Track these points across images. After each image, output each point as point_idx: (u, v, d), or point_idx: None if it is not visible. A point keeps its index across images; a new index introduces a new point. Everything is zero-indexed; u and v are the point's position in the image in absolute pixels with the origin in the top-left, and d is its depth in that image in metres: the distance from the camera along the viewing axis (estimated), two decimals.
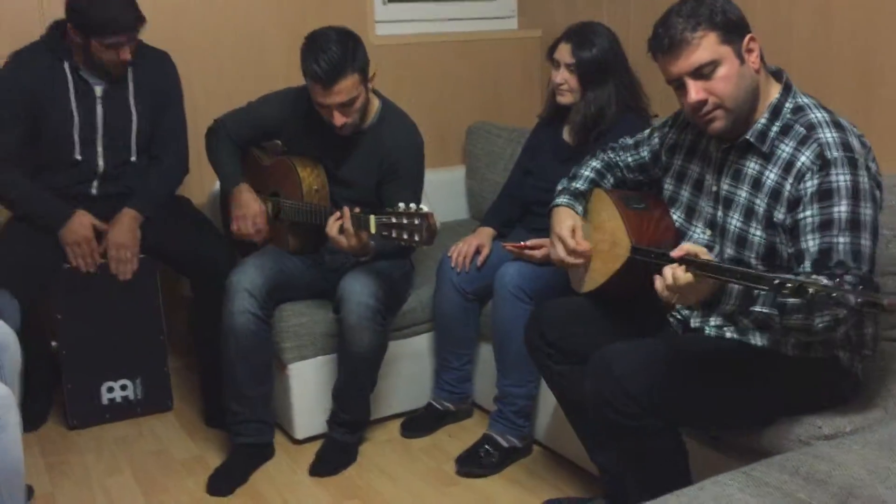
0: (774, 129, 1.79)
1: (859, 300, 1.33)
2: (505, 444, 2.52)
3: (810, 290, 1.38)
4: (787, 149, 1.76)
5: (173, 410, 2.89)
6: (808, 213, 1.69)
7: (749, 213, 1.82)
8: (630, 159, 2.16)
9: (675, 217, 2.01)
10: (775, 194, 1.77)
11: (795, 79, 1.87)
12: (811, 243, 1.68)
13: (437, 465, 2.56)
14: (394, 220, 2.15)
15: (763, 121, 1.80)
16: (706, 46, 1.73)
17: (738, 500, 1.31)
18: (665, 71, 1.80)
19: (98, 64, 2.55)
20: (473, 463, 2.50)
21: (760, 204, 1.79)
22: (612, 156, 2.20)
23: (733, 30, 1.75)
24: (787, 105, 1.80)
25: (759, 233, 1.80)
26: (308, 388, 2.63)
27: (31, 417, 2.76)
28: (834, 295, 1.35)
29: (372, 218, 2.20)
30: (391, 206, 2.20)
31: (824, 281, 1.51)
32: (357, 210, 2.29)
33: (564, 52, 2.52)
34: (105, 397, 2.78)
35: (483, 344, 2.74)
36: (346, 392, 2.53)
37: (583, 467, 2.42)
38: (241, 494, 2.42)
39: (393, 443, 2.70)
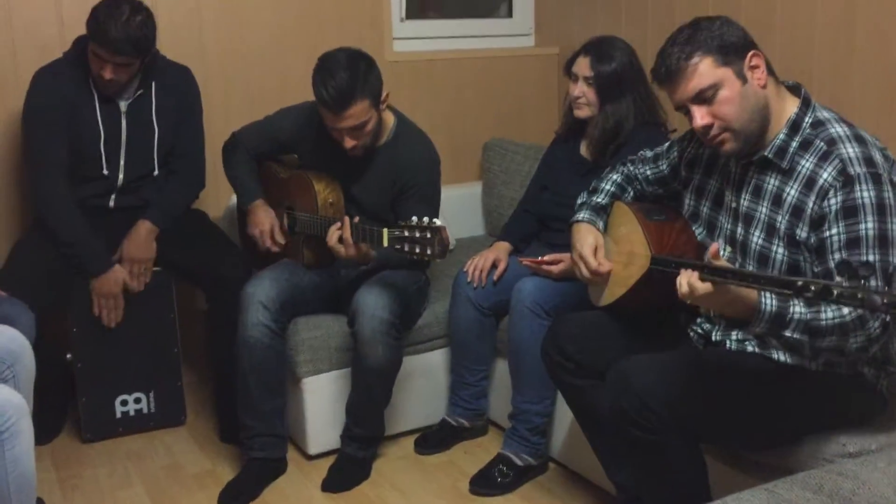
0: (794, 144, 1.76)
1: (885, 301, 1.30)
2: (520, 462, 2.49)
3: (835, 292, 1.34)
4: (808, 164, 1.74)
5: (186, 425, 2.88)
6: (834, 231, 1.66)
7: (770, 231, 1.79)
8: (649, 172, 2.14)
9: (696, 231, 1.99)
10: (797, 212, 1.74)
11: (816, 94, 1.85)
12: (839, 262, 1.65)
13: (451, 482, 2.53)
14: (406, 233, 2.14)
15: (782, 136, 1.77)
16: (703, 71, 1.71)
17: None
18: (670, 98, 1.81)
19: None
20: (488, 484, 2.47)
21: (782, 221, 1.77)
22: (631, 168, 2.18)
23: (732, 51, 1.72)
24: (807, 119, 1.77)
25: (781, 250, 1.78)
26: (322, 402, 2.61)
27: (45, 430, 2.75)
28: (860, 295, 1.32)
29: (385, 231, 2.20)
30: (405, 220, 2.19)
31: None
32: (357, 219, 2.30)
33: (583, 66, 2.52)
34: (119, 410, 2.77)
35: (499, 360, 2.71)
36: (360, 407, 2.51)
37: (599, 486, 2.39)
38: None
39: (407, 459, 2.67)
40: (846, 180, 1.66)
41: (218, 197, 3.11)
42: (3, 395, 1.80)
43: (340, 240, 2.32)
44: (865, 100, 2.52)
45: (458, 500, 2.43)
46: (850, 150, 1.69)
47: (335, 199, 2.55)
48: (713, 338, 1.93)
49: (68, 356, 2.69)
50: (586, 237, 2.09)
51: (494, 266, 2.64)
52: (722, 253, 1.90)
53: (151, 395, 2.80)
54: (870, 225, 1.64)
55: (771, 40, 2.66)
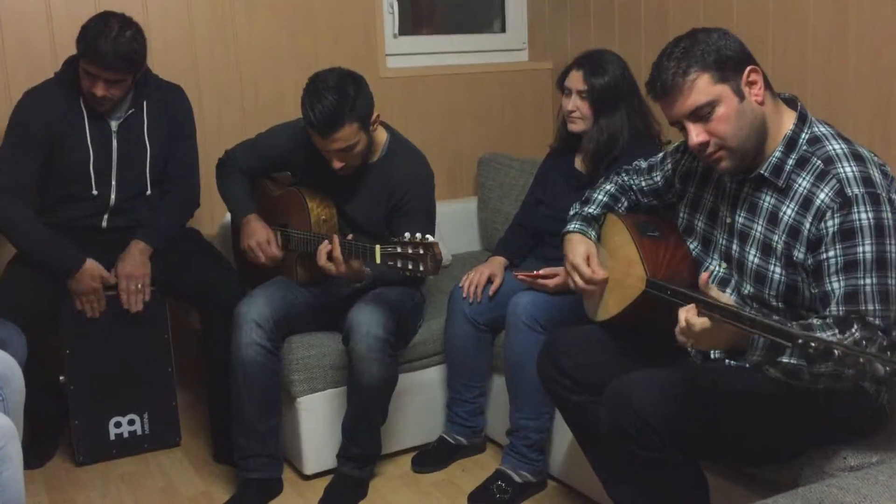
0: (790, 162, 1.73)
1: (888, 369, 1.28)
2: (518, 479, 2.46)
3: (836, 353, 1.31)
4: (805, 183, 1.70)
5: (181, 446, 2.85)
6: (832, 253, 1.63)
7: (766, 250, 1.77)
8: (644, 184, 2.13)
9: (691, 247, 1.97)
10: (794, 232, 1.71)
11: (810, 104, 1.83)
12: (836, 285, 1.62)
13: (449, 500, 2.50)
14: (399, 249, 2.13)
15: (778, 154, 1.73)
16: (700, 89, 1.67)
17: None
18: (665, 113, 1.77)
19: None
20: (486, 500, 2.44)
21: (778, 241, 1.74)
22: (625, 178, 2.17)
23: (729, 67, 1.68)
24: (803, 136, 1.73)
25: (778, 270, 1.75)
26: (317, 421, 2.59)
27: (38, 453, 2.73)
28: (861, 360, 1.29)
29: (377, 248, 2.18)
30: (398, 237, 2.18)
31: (855, 333, 1.45)
32: (350, 236, 2.28)
33: (576, 80, 2.52)
34: (112, 432, 2.74)
35: (496, 376, 2.69)
36: (355, 425, 2.48)
37: (599, 503, 2.35)
38: None
39: (404, 478, 2.64)
40: (844, 202, 1.63)
41: (212, 215, 3.10)
42: None
43: (330, 258, 2.30)
44: (859, 109, 2.51)
45: None
46: (847, 169, 1.65)
47: (329, 216, 2.54)
48: (712, 355, 1.90)
49: (62, 378, 2.67)
50: (578, 247, 2.07)
51: (490, 281, 2.62)
52: (717, 270, 1.89)
53: (146, 416, 2.77)
54: (867, 248, 1.60)
55: (764, 51, 2.66)
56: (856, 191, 1.62)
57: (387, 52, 3.45)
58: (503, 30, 3.78)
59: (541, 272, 2.46)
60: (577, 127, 2.55)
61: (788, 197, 1.73)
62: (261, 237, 2.55)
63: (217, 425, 2.74)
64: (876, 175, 1.65)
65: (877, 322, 1.58)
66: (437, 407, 2.77)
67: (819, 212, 1.66)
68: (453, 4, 3.71)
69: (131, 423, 2.76)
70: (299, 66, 3.07)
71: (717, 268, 1.89)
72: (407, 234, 2.13)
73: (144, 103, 2.66)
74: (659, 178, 2.09)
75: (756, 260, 1.79)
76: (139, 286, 2.63)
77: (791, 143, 1.73)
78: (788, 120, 1.75)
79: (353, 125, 2.30)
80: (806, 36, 2.62)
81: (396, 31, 3.48)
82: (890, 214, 1.62)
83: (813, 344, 1.33)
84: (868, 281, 1.60)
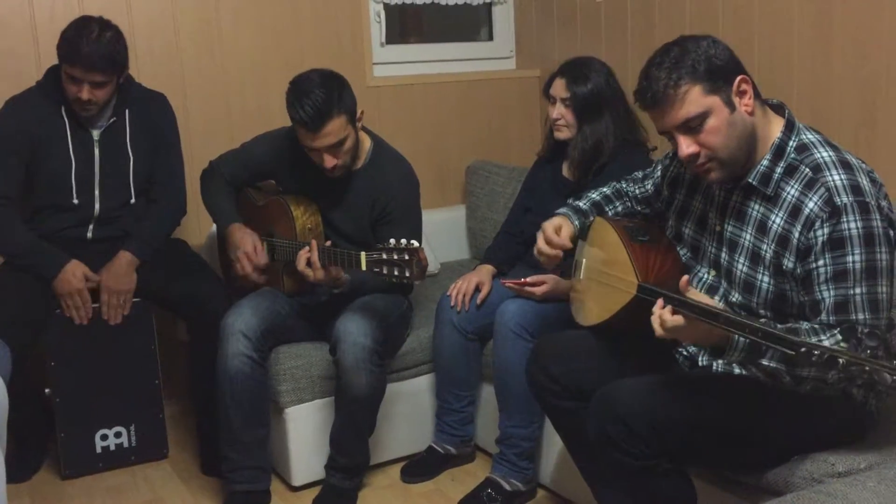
0: (778, 170, 1.72)
1: (895, 378, 1.28)
2: (508, 487, 2.45)
3: (841, 361, 1.31)
4: (793, 192, 1.69)
5: (168, 458, 2.83)
6: (821, 262, 1.63)
7: (755, 259, 1.76)
8: (638, 192, 2.14)
9: (682, 253, 1.97)
10: (783, 241, 1.70)
11: (796, 109, 1.83)
12: (826, 294, 1.62)
13: None
14: (384, 256, 2.12)
15: (766, 162, 1.73)
16: (691, 100, 1.66)
17: None
18: (654, 123, 1.76)
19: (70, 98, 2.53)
20: None
21: (767, 250, 1.73)
22: (624, 186, 2.18)
23: (720, 77, 1.66)
24: (791, 143, 1.72)
25: (766, 279, 1.74)
26: (306, 432, 2.57)
27: (24, 467, 2.71)
28: (867, 368, 1.29)
29: (363, 255, 2.17)
30: (383, 244, 2.17)
31: (863, 343, 1.45)
32: (329, 243, 2.29)
33: (559, 88, 2.52)
34: (99, 445, 2.71)
35: (485, 385, 2.68)
36: (343, 436, 2.47)
37: None
38: None
39: (393, 488, 2.63)
40: (833, 211, 1.62)
41: (199, 225, 3.08)
42: None
43: (309, 263, 2.29)
44: (844, 113, 2.52)
45: None
46: (836, 177, 1.65)
47: (314, 225, 2.53)
48: (700, 362, 1.90)
49: (47, 391, 2.64)
50: (554, 219, 2.09)
51: (478, 290, 2.62)
52: (706, 277, 1.88)
53: (132, 428, 2.75)
54: (857, 258, 1.60)
55: (749, 56, 2.66)
56: (845, 200, 1.62)
57: (374, 61, 3.45)
58: (490, 38, 3.79)
59: (528, 280, 2.46)
60: (562, 135, 2.55)
61: (777, 205, 1.72)
62: (247, 246, 2.53)
63: (204, 437, 2.72)
64: (864, 183, 1.65)
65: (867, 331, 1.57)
66: (426, 416, 2.76)
67: (808, 221, 1.65)
68: (440, 13, 3.71)
69: (118, 435, 2.73)
70: (286, 74, 3.04)
71: (705, 275, 1.89)
72: (392, 241, 2.13)
73: (127, 112, 2.64)
74: (650, 186, 2.10)
75: (744, 269, 1.78)
76: (120, 301, 2.61)
77: (779, 151, 1.72)
78: (776, 127, 1.74)
79: (341, 117, 2.30)
80: (791, 42, 2.63)
81: (384, 39, 3.48)
82: (879, 223, 1.62)
83: (816, 352, 1.33)
84: (858, 290, 1.60)
